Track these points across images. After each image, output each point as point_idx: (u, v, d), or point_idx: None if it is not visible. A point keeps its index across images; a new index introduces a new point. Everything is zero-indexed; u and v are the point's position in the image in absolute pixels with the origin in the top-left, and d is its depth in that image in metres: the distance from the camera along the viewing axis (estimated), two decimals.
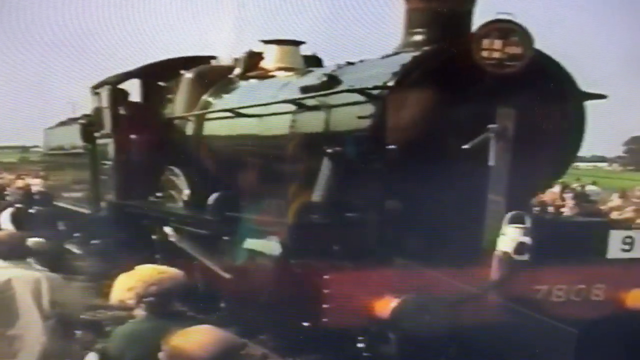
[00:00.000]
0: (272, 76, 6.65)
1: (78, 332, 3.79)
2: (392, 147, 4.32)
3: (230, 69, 7.09)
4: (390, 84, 4.32)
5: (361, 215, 4.54)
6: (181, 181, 6.88)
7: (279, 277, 4.67)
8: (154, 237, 7.44)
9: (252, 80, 6.55)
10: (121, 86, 8.34)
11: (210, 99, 6.94)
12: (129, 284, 3.30)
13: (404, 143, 4.29)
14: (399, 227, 4.36)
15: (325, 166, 4.91)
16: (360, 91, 4.48)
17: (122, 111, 8.17)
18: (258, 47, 6.94)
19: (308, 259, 4.47)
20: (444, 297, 3.95)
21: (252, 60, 6.90)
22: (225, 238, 5.52)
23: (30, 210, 12.12)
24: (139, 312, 3.26)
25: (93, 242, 9.23)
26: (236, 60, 7.53)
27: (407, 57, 4.46)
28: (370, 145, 4.43)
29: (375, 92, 4.39)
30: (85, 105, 9.18)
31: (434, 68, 4.30)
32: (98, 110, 8.59)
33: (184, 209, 6.73)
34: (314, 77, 5.30)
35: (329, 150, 4.88)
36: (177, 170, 7.00)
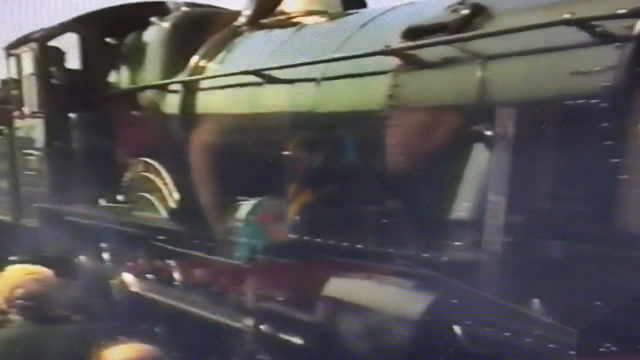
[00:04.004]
0: (297, 23, 4.54)
1: None
2: None
3: (231, 14, 4.89)
4: None
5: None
6: (165, 181, 4.68)
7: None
8: (105, 255, 5.28)
9: (277, 30, 4.40)
10: (52, 44, 5.98)
11: (204, 62, 4.72)
12: None
13: None
14: None
15: (481, 157, 2.93)
16: (585, 23, 2.50)
17: (55, 80, 5.84)
18: None
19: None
20: None
21: (267, 3, 4.74)
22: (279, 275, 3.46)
23: None
24: (15, 317, 3.11)
25: (11, 258, 6.92)
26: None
27: None
28: (603, 122, 2.49)
29: (617, 25, 2.44)
30: None
31: None
32: (17, 81, 6.13)
33: (172, 221, 4.55)
34: (433, 12, 3.27)
35: (488, 133, 2.90)
36: (156, 165, 4.79)
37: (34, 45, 5.76)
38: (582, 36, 2.54)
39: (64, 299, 3.51)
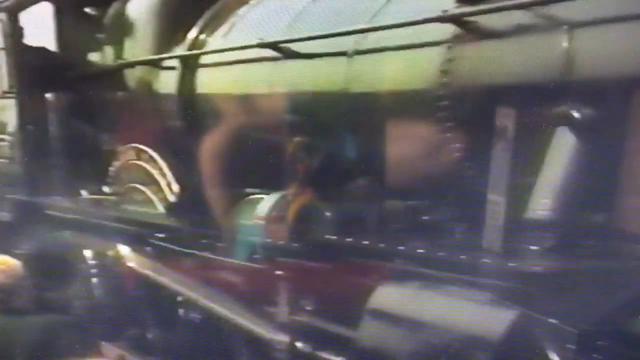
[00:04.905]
0: None
1: None
2: None
3: None
4: None
5: None
6: (161, 170, 4.12)
7: None
8: (88, 254, 4.69)
9: None
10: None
11: (204, 36, 4.13)
12: None
13: None
14: None
15: (566, 145, 2.45)
16: None
17: (29, 56, 5.20)
18: None
19: None
20: None
21: None
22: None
23: None
24: None
25: None
26: None
27: None
28: None
29: None
30: None
31: None
32: None
33: (172, 217, 4.01)
34: None
35: (577, 115, 2.42)
36: (150, 152, 4.22)
37: (2, 16, 5.12)
38: None
39: (30, 291, 3.43)
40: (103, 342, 4.16)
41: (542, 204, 2.41)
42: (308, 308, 3.06)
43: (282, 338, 3.16)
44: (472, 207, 2.64)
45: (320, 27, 3.32)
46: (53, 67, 5.07)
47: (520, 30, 2.55)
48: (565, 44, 2.40)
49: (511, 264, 2.34)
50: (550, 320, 2.17)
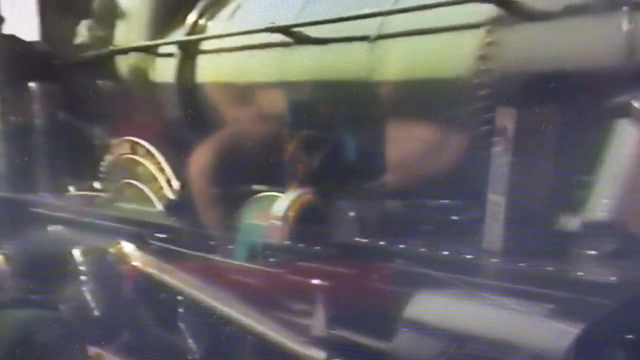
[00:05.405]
0: None
1: None
2: None
3: None
4: None
5: None
6: (160, 165, 3.83)
7: None
8: (75, 253, 4.39)
9: None
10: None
11: (204, 20, 3.83)
12: None
13: None
14: None
15: (629, 138, 2.20)
16: None
17: (11, 42, 4.85)
18: None
19: None
20: None
21: None
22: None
23: None
24: None
25: None
26: None
27: None
28: None
29: None
30: None
31: None
32: None
33: (172, 216, 3.73)
34: None
35: (638, 106, 2.19)
36: (146, 146, 3.92)
37: None
38: None
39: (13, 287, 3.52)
40: (84, 342, 3.97)
41: (602, 204, 2.19)
42: (328, 315, 2.83)
43: (294, 344, 2.95)
44: (525, 206, 2.42)
45: (338, 8, 3.06)
46: (37, 54, 4.78)
47: (572, 11, 2.30)
48: (625, 27, 2.17)
49: (570, 272, 2.12)
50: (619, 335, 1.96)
